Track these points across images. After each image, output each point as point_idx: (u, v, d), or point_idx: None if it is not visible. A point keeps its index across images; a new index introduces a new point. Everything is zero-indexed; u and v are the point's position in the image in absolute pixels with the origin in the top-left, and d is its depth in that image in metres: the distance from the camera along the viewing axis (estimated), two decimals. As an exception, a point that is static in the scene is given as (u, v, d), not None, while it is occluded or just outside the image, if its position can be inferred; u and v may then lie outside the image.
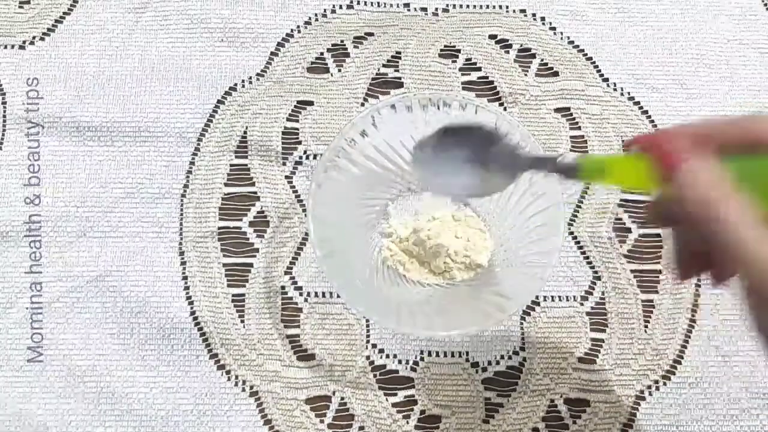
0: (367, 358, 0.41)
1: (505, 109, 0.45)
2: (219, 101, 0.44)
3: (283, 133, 0.44)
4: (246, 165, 0.43)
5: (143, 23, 0.45)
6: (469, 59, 0.45)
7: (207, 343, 0.41)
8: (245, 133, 0.44)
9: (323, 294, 0.42)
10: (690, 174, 0.25)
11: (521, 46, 0.46)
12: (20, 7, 0.45)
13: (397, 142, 0.39)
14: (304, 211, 0.43)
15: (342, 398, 0.41)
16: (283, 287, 0.42)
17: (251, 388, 0.41)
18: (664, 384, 0.41)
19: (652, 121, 0.45)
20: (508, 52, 0.46)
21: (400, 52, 0.45)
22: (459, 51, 0.46)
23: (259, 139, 0.44)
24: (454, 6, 0.46)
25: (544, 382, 0.41)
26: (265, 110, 0.44)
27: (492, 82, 0.45)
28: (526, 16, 0.46)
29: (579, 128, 0.44)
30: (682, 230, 0.29)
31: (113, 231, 0.42)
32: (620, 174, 0.28)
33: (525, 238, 0.38)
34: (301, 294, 0.42)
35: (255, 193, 0.43)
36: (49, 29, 0.45)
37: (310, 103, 0.44)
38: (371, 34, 0.46)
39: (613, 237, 0.43)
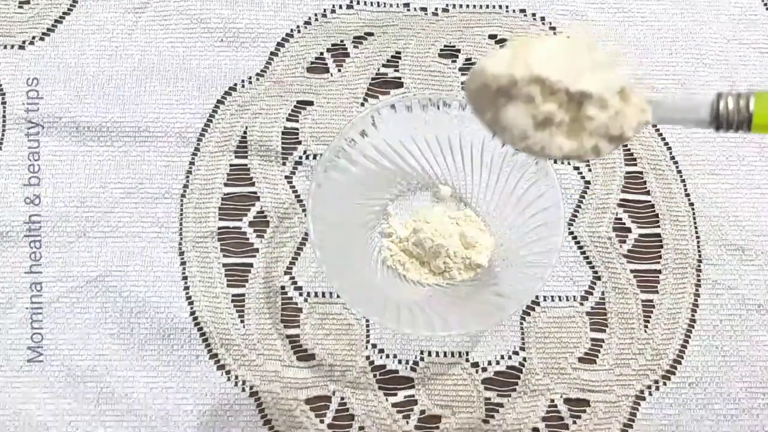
0: (367, 358, 0.41)
1: (505, 109, 0.45)
2: (219, 101, 0.44)
3: (283, 133, 0.44)
4: (246, 165, 0.43)
5: (143, 23, 0.45)
6: (469, 59, 0.45)
7: (207, 343, 0.41)
8: (245, 133, 0.44)
9: (323, 294, 0.42)
10: None
11: (521, 46, 0.46)
12: (20, 7, 0.45)
13: (397, 142, 0.39)
14: (304, 211, 0.43)
15: (342, 398, 0.41)
16: (283, 287, 0.42)
17: (251, 388, 0.41)
18: (664, 384, 0.41)
19: (652, 121, 0.45)
20: (508, 52, 0.46)
21: (399, 52, 0.45)
22: (459, 51, 0.46)
23: (259, 139, 0.44)
24: (454, 6, 0.46)
25: (544, 382, 0.41)
26: (264, 110, 0.44)
27: (492, 82, 0.45)
28: (526, 16, 0.46)
29: (579, 128, 0.44)
30: None
31: (113, 231, 0.42)
32: None
33: (525, 238, 0.38)
34: (301, 294, 0.42)
35: (255, 193, 0.43)
36: (48, 29, 0.45)
37: (310, 103, 0.44)
38: (371, 34, 0.46)
39: (613, 237, 0.43)
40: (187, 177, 0.43)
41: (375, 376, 0.41)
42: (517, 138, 0.23)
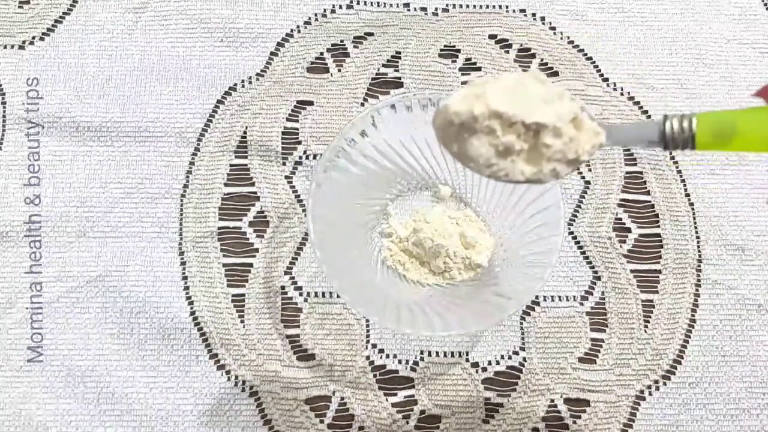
0: (367, 358, 0.41)
1: (505, 109, 0.45)
2: (219, 101, 0.44)
3: (283, 133, 0.44)
4: (246, 165, 0.43)
5: (143, 23, 0.45)
6: (469, 59, 0.45)
7: (207, 343, 0.41)
8: (245, 133, 0.44)
9: (323, 294, 0.42)
10: None
11: (521, 46, 0.46)
12: (20, 7, 0.45)
13: (397, 142, 0.39)
14: (303, 211, 0.43)
15: (342, 398, 0.41)
16: (283, 287, 0.42)
17: (251, 388, 0.41)
18: (664, 384, 0.41)
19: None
20: (508, 52, 0.46)
21: (400, 52, 0.45)
22: (459, 51, 0.46)
23: (259, 139, 0.44)
24: (454, 6, 0.46)
25: (544, 382, 0.41)
26: (264, 110, 0.44)
27: (492, 82, 0.45)
28: (526, 16, 0.46)
29: (579, 128, 0.44)
30: None
31: (113, 231, 0.42)
32: (758, 134, 0.23)
33: (525, 238, 0.38)
34: (301, 294, 0.42)
35: (255, 193, 0.43)
36: (48, 29, 0.45)
37: (310, 103, 0.44)
38: (371, 34, 0.46)
39: (613, 237, 0.43)
40: (187, 177, 0.43)
41: (375, 376, 0.41)
42: (483, 166, 0.26)
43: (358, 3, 0.46)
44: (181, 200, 0.43)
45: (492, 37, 0.46)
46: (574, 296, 0.42)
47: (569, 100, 0.25)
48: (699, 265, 0.43)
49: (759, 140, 0.23)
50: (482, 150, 0.25)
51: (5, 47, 0.44)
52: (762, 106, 0.23)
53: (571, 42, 0.46)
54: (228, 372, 0.41)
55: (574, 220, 0.43)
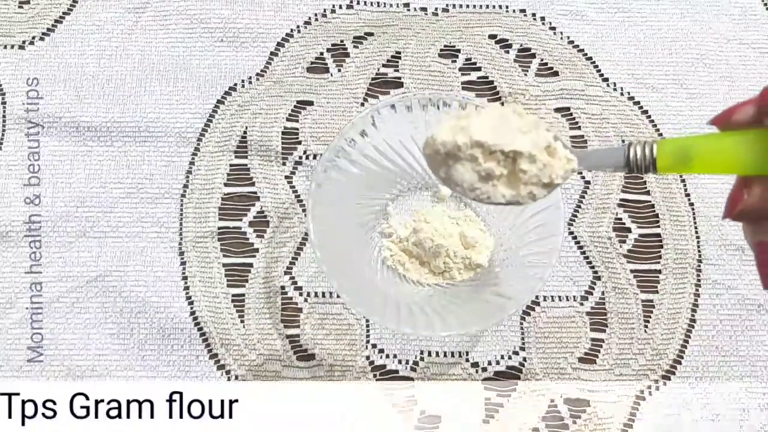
0: (367, 358, 0.41)
1: (505, 109, 0.45)
2: (219, 101, 0.44)
3: (283, 133, 0.44)
4: (246, 165, 0.43)
5: (143, 23, 0.45)
6: (469, 59, 0.45)
7: (207, 343, 0.41)
8: (245, 133, 0.44)
9: (323, 294, 0.42)
10: None
11: (521, 46, 0.46)
12: (20, 7, 0.45)
13: (396, 142, 0.39)
14: (303, 211, 0.43)
15: (342, 398, 0.41)
16: (283, 287, 0.42)
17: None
18: (664, 384, 0.41)
19: (652, 121, 0.45)
20: (508, 52, 0.46)
21: (399, 52, 0.45)
22: (459, 51, 0.46)
23: (259, 139, 0.44)
24: (454, 6, 0.46)
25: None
26: (264, 110, 0.44)
27: (492, 82, 0.45)
28: (526, 15, 0.46)
29: (579, 128, 0.44)
30: None
31: (113, 231, 0.42)
32: (712, 158, 0.25)
33: (525, 238, 0.38)
34: (301, 294, 0.42)
35: (255, 193, 0.43)
36: (48, 29, 0.45)
37: (310, 103, 0.44)
38: (371, 34, 0.46)
39: (613, 237, 0.43)
40: (187, 177, 0.43)
41: (375, 376, 0.41)
42: (467, 190, 0.28)
43: (358, 3, 0.46)
44: (181, 200, 0.43)
45: (492, 37, 0.46)
46: (574, 296, 0.42)
47: (544, 131, 0.27)
48: (699, 265, 0.43)
49: (714, 164, 0.25)
50: (466, 176, 0.28)
51: (5, 47, 0.44)
52: (717, 133, 0.25)
53: (571, 42, 0.46)
54: (228, 372, 0.41)
55: (574, 220, 0.43)
